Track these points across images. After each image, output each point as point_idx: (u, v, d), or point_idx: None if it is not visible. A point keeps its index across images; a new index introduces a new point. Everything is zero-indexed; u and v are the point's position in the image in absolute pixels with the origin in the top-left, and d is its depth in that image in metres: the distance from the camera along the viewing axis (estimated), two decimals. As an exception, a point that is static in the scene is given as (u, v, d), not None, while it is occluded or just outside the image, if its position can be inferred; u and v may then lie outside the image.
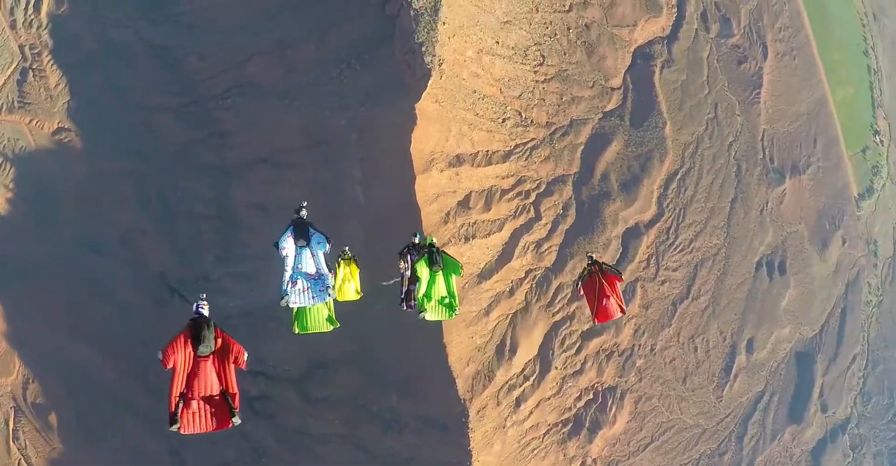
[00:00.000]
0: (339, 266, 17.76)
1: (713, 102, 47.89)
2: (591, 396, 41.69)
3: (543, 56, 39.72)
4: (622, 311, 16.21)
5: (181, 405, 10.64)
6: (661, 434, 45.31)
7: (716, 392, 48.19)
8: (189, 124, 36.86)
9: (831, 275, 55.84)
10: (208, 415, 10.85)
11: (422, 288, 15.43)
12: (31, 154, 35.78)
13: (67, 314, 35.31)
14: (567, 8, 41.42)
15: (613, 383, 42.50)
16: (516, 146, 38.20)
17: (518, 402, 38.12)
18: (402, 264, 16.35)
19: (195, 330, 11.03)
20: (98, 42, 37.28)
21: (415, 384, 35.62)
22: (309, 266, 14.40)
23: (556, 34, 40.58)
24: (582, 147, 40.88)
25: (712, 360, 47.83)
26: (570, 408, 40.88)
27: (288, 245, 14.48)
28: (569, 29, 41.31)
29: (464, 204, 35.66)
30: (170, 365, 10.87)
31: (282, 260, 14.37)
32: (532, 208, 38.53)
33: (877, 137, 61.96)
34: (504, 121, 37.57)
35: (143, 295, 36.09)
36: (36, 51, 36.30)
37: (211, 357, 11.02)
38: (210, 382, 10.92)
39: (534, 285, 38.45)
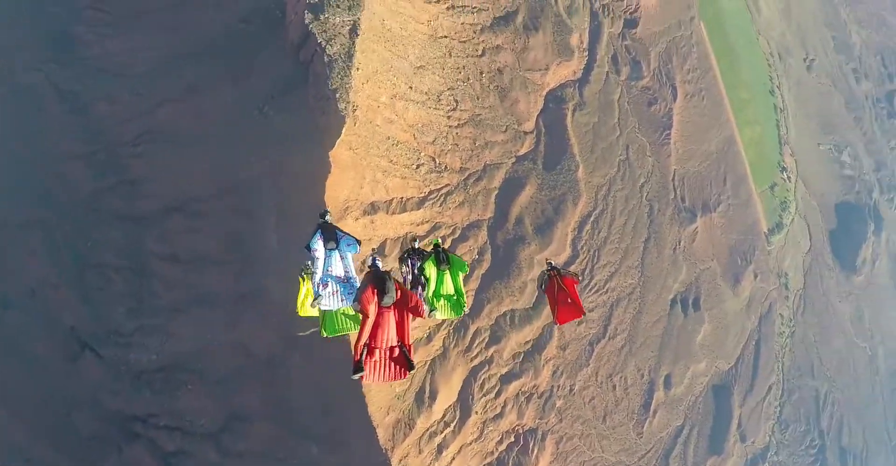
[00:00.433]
0: (302, 281, 18.09)
1: (625, 144, 49.76)
2: (512, 439, 42.14)
3: (457, 101, 40.66)
4: (582, 313, 17.22)
5: (365, 354, 11.58)
6: (583, 473, 46.14)
7: (636, 428, 49.41)
8: (99, 172, 36.09)
9: (744, 309, 58.13)
10: (389, 365, 11.73)
11: (431, 287, 15.72)
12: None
13: (-28, 372, 34.34)
14: (480, 52, 42.54)
15: (534, 425, 43.16)
16: (430, 192, 38.88)
17: (440, 449, 38.35)
18: (403, 268, 16.64)
19: (379, 282, 11.95)
20: (6, 85, 36.77)
21: (334, 435, 35.27)
22: (338, 268, 14.43)
23: (469, 79, 41.61)
24: (496, 192, 41.88)
25: (631, 398, 49.13)
26: (492, 452, 41.24)
27: (318, 247, 14.60)
28: (482, 73, 42.40)
29: (379, 252, 35.80)
30: (366, 313, 11.83)
31: (312, 263, 14.50)
32: None
33: (784, 174, 65.08)
34: (418, 167, 38.22)
35: (53, 351, 34.94)
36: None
37: (392, 307, 11.84)
38: (391, 332, 11.79)
39: (451, 331, 39.02)
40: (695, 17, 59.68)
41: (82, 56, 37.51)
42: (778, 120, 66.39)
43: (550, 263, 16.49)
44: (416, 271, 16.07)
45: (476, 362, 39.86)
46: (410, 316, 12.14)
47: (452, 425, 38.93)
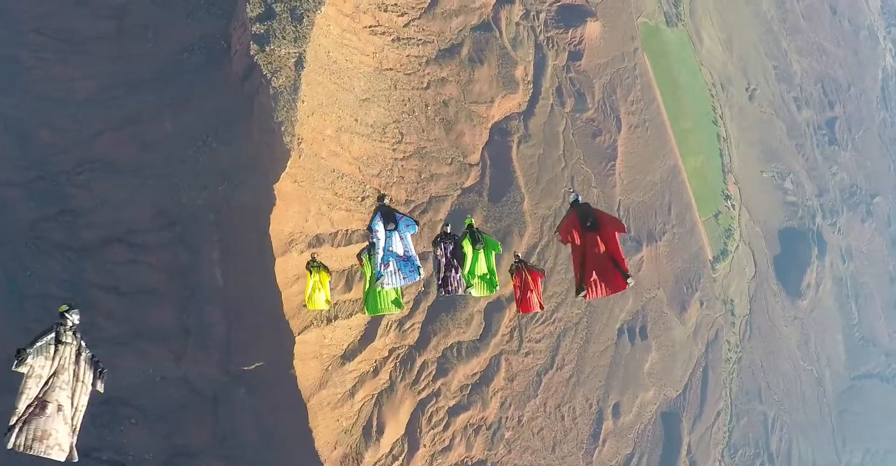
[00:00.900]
0: (309, 274, 18.89)
1: (569, 176, 51.12)
2: (461, 471, 42.75)
3: (402, 133, 41.46)
4: (541, 307, 18.25)
5: (583, 275, 12.70)
6: (533, 504, 46.77)
7: (585, 458, 50.31)
8: (39, 201, 35.72)
9: (691, 336, 59.73)
10: (606, 281, 12.66)
11: (467, 266, 16.67)
12: None
13: None
14: (425, 85, 43.52)
15: (483, 456, 43.80)
16: None
17: (388, 483, 38.85)
18: (438, 251, 17.40)
19: (581, 211, 13.19)
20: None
21: (281, 471, 35.69)
22: (398, 248, 15.44)
23: (414, 111, 42.49)
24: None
25: (580, 427, 50.09)
26: (441, 485, 41.85)
27: (379, 228, 15.57)
28: (427, 106, 43.34)
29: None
30: (567, 242, 13.18)
31: (374, 244, 15.41)
32: None
33: (728, 202, 67.26)
34: (363, 199, 38.76)
35: (-9, 383, 34.84)
36: None
37: (597, 231, 12.85)
38: (600, 252, 12.78)
39: (398, 363, 39.52)
40: (638, 49, 61.68)
41: (23, 81, 37.13)
42: (721, 149, 68.71)
43: (518, 255, 17.21)
44: (448, 254, 17.02)
45: (423, 395, 40.42)
46: (617, 233, 13.13)
47: (401, 458, 39.34)
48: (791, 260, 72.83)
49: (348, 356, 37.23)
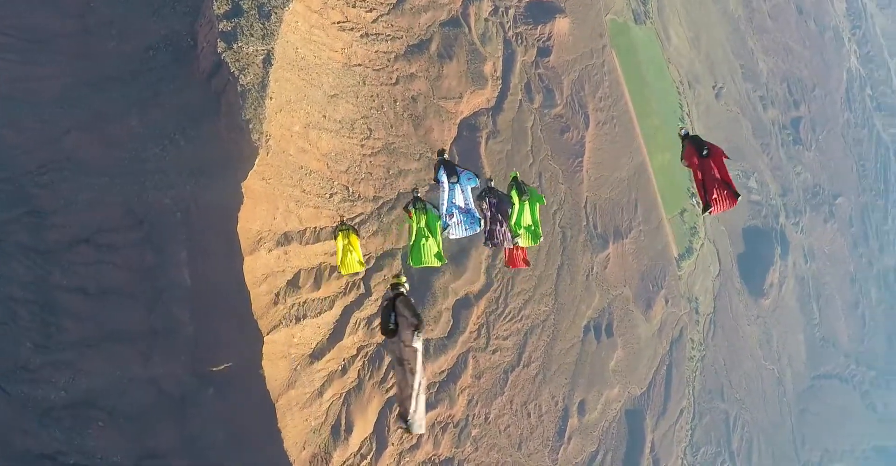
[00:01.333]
0: (337, 237, 19.41)
1: (537, 171, 51.88)
2: (428, 469, 43.26)
3: (370, 129, 41.71)
4: (526, 263, 20.48)
5: (707, 196, 15.14)
6: (499, 501, 47.54)
7: (551, 455, 51.29)
8: (3, 203, 35.59)
9: (656, 334, 61.05)
10: (724, 198, 14.96)
11: (513, 217, 17.85)
12: None
13: None
14: (394, 81, 43.84)
15: (450, 454, 44.42)
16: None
17: (356, 481, 39.15)
18: (483, 205, 18.27)
19: (694, 142, 15.39)
20: None
21: (249, 471, 35.83)
22: (459, 200, 16.87)
23: (382, 107, 42.78)
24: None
25: (546, 425, 51.03)
26: (408, 483, 42.29)
27: (444, 180, 16.66)
28: (395, 101, 43.68)
29: (293, 283, 36.57)
30: (690, 167, 15.48)
31: (440, 194, 16.74)
32: (362, 284, 40.01)
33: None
34: (331, 196, 39.07)
35: (-46, 389, 34.58)
36: None
37: (710, 158, 15.14)
38: (715, 175, 15.07)
39: (366, 362, 39.85)
40: (606, 46, 62.61)
41: (-15, 86, 36.99)
42: (688, 147, 69.96)
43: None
44: (493, 209, 17.77)
45: (391, 393, 40.47)
46: (723, 158, 15.26)
47: (369, 457, 39.71)
48: (754, 259, 74.65)
49: (317, 355, 37.44)
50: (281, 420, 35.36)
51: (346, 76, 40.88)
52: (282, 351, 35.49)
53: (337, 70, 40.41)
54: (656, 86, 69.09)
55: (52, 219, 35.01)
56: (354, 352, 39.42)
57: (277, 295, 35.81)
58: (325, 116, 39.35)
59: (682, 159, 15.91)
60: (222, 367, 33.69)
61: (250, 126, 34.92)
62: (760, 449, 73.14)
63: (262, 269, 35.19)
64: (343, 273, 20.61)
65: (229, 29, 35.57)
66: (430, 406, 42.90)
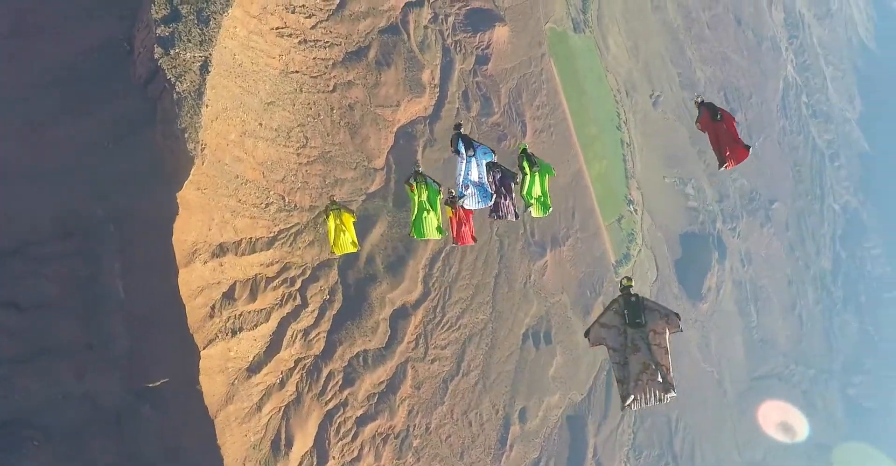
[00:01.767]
0: (328, 217, 19.69)
1: (475, 180, 52.54)
2: (370, 482, 43.48)
3: (307, 137, 41.75)
4: (473, 239, 20.69)
5: (721, 154, 15.76)
6: (443, 511, 48.05)
7: (493, 463, 51.98)
8: None
9: (595, 341, 62.25)
10: (736, 153, 15.74)
11: (525, 187, 18.14)
12: None
13: None
14: (331, 88, 43.91)
15: (392, 465, 45.00)
16: (280, 232, 39.74)
17: (299, 496, 39.14)
18: (488, 179, 18.41)
19: (709, 108, 16.02)
20: None
21: (189, 490, 35.50)
22: (474, 174, 17.26)
23: (319, 115, 42.78)
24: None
25: (487, 433, 51.75)
26: (350, 496, 42.45)
27: (463, 151, 17.17)
28: (332, 109, 43.72)
29: (229, 295, 36.48)
30: (705, 131, 16.17)
31: (458, 165, 17.10)
32: (298, 295, 40.13)
33: (631, 206, 70.29)
34: (267, 206, 39.07)
35: None
36: None
37: (722, 122, 15.86)
38: (727, 134, 15.90)
39: (304, 374, 39.95)
40: (545, 54, 63.66)
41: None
42: (624, 154, 71.70)
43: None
44: (497, 182, 18.26)
45: (331, 405, 41.02)
46: (733, 122, 16.18)
47: (310, 471, 39.96)
48: (692, 264, 76.58)
49: (254, 368, 37.38)
50: (220, 436, 35.15)
51: (283, 83, 40.81)
52: (219, 365, 35.42)
53: (274, 77, 40.40)
54: (594, 94, 70.45)
55: (-23, 234, 34.08)
56: (292, 365, 39.45)
57: (213, 307, 35.61)
58: (261, 124, 39.25)
59: (696, 122, 17.06)
60: (159, 383, 33.51)
61: (186, 135, 34.60)
62: (702, 451, 75.06)
63: (197, 282, 35.00)
64: (337, 253, 21.03)
65: (167, 34, 35.18)
66: (370, 418, 43.39)
